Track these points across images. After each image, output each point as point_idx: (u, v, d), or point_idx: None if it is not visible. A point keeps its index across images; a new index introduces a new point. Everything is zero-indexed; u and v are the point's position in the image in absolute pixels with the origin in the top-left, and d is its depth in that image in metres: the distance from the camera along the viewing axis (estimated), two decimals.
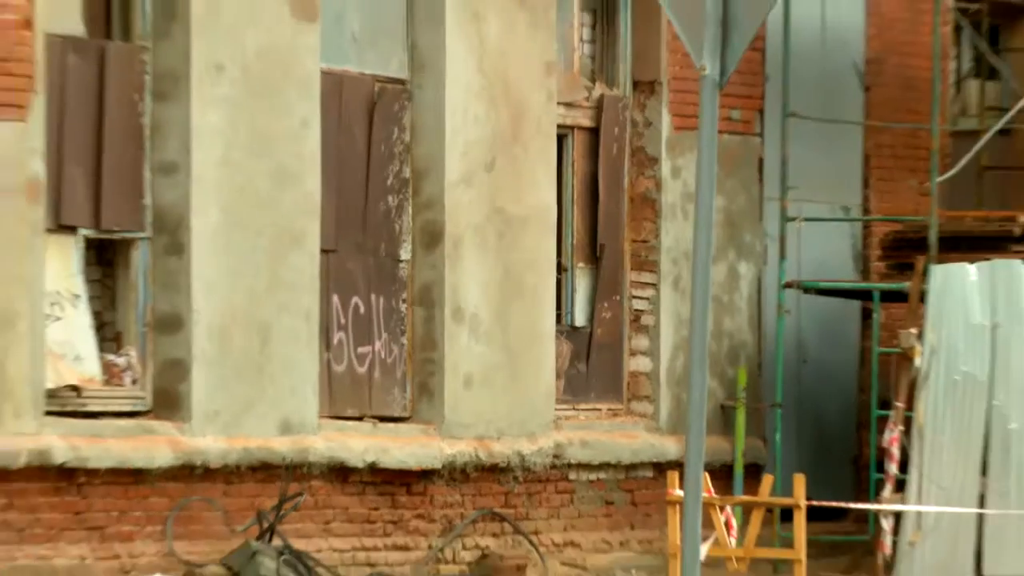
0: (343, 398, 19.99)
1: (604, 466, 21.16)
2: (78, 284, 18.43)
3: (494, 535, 20.36)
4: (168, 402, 18.70)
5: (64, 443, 17.63)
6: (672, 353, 21.44)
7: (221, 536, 18.65)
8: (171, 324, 18.79)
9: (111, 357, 18.61)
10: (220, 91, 18.88)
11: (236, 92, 18.97)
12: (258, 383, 19.08)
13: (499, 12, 20.52)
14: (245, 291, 19.08)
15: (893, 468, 21.15)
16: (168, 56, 18.83)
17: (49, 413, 17.77)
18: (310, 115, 19.50)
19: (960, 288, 21.08)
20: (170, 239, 18.73)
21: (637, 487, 20.93)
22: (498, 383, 20.67)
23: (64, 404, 17.99)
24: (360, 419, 20.02)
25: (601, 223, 21.88)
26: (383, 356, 20.33)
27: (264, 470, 18.98)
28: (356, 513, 19.71)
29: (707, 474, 14.89)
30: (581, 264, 21.84)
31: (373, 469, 19.70)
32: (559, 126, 21.27)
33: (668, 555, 17.32)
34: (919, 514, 20.74)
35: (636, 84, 21.80)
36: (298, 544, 18.66)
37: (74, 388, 18.14)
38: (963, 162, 22.96)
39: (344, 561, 19.21)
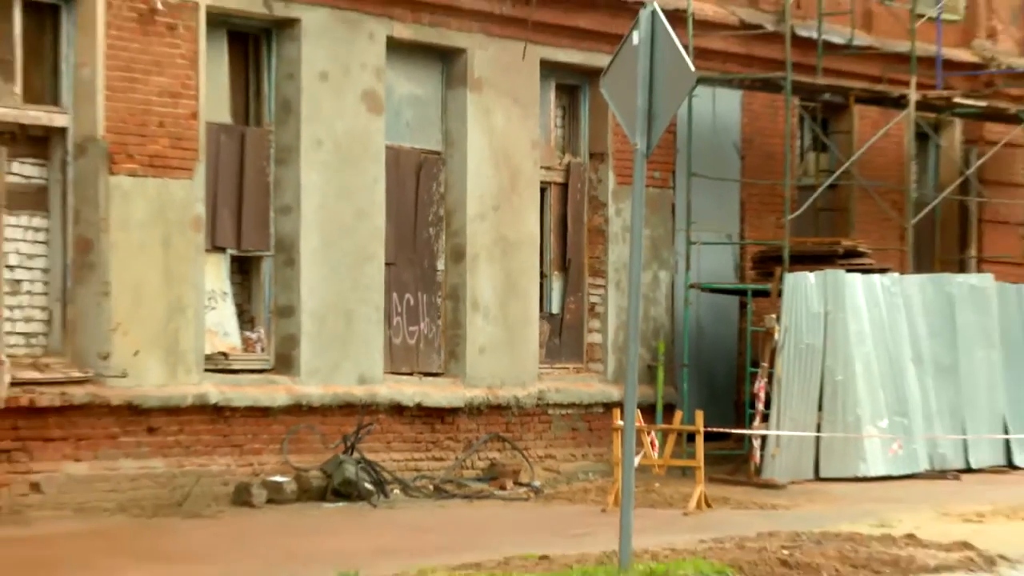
0: (399, 360, 20.25)
1: (571, 405, 21.38)
2: (226, 285, 18.84)
3: (498, 450, 20.63)
4: (285, 363, 19.06)
5: (216, 390, 18.03)
6: (615, 331, 21.59)
7: (319, 451, 18.96)
8: (286, 312, 19.12)
9: (247, 333, 19.12)
10: (319, 159, 19.10)
11: (330, 159, 19.15)
12: (343, 350, 19.33)
13: (501, 108, 20.71)
14: (335, 290, 19.33)
15: (760, 406, 21.42)
16: (285, 136, 19.12)
17: (207, 370, 18.16)
18: (378, 175, 19.70)
19: (803, 288, 21.45)
20: (286, 256, 19.06)
21: (593, 419, 21.15)
22: (501, 351, 20.94)
23: (216, 364, 18.45)
24: (411, 374, 20.29)
25: (569, 245, 22.05)
26: (426, 333, 20.64)
27: (347, 408, 19.20)
28: (408, 436, 19.99)
29: (638, 411, 15.63)
30: (556, 272, 21.99)
31: (419, 407, 20.00)
32: (541, 182, 21.42)
33: (613, 464, 17.67)
34: (777, 436, 20.92)
35: (592, 155, 21.94)
36: (369, 456, 19.05)
37: (223, 354, 18.68)
38: (805, 206, 23.19)
39: (399, 468, 19.49)
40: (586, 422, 21.22)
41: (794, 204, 22.65)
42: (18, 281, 16.76)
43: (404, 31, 19.81)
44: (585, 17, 20.90)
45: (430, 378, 20.42)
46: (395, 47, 19.82)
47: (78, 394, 16.67)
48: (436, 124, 20.62)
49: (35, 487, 16.27)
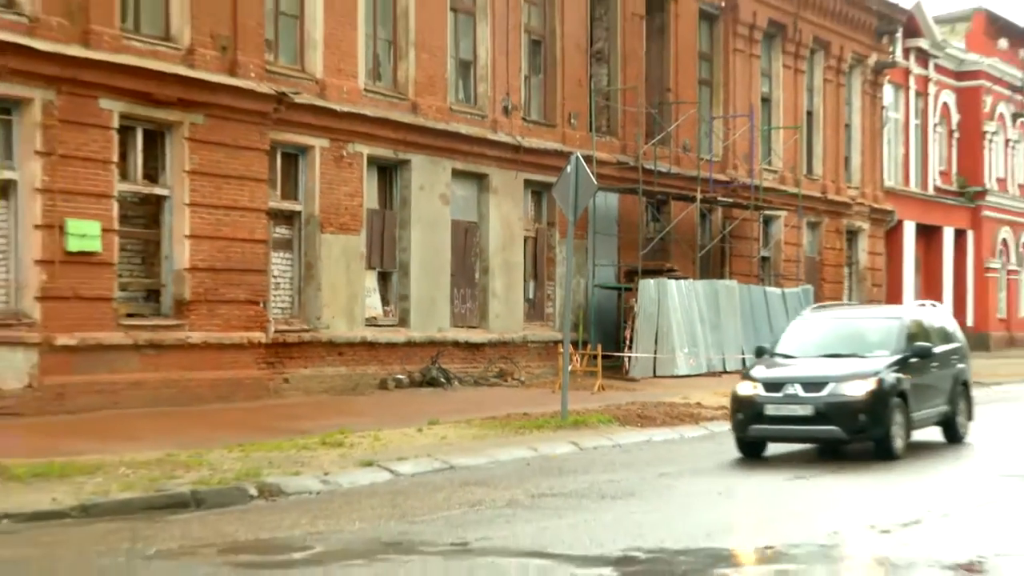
0: (457, 320, 19.58)
1: (538, 342, 20.77)
2: (375, 285, 18.49)
3: (503, 364, 19.92)
4: (403, 321, 18.59)
5: (370, 334, 17.78)
6: (560, 307, 20.76)
7: (419, 363, 18.31)
8: (403, 298, 18.65)
9: (385, 307, 18.61)
10: (419, 226, 18.76)
11: (424, 226, 18.69)
12: (430, 315, 18.81)
13: (505, 202, 20.27)
14: (426, 287, 18.86)
15: (627, 343, 21.16)
16: (403, 214, 18.65)
17: (366, 325, 17.82)
18: (446, 233, 19.25)
19: (647, 287, 21.05)
20: (403, 271, 18.71)
21: (549, 348, 20.35)
22: (505, 316, 20.35)
23: (370, 322, 17.99)
24: (462, 327, 19.65)
25: (537, 266, 21.41)
26: (469, 307, 19.98)
27: (432, 344, 18.72)
28: (461, 356, 19.31)
29: (571, 345, 15.44)
30: (531, 279, 21.32)
31: (466, 343, 19.49)
32: (524, 236, 20.88)
33: (558, 370, 16.93)
34: (636, 356, 20.84)
35: (548, 223, 21.49)
36: (443, 365, 18.54)
37: (373, 317, 18.17)
38: (647, 248, 22.42)
39: (457, 371, 18.79)
40: (546, 350, 20.56)
41: (642, 246, 22.17)
42: (278, 284, 16.71)
43: (459, 165, 19.40)
44: (545, 158, 20.50)
45: (471, 329, 19.84)
46: (455, 172, 19.39)
47: (305, 336, 16.72)
48: (474, 209, 20.07)
49: (285, 380, 16.27)
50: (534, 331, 20.98)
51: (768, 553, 6.64)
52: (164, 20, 14.85)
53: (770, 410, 10.55)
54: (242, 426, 12.42)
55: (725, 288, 23.27)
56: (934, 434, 12.17)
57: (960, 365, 12.39)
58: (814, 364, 11.00)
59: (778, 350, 11.65)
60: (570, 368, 15.21)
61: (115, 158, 13.93)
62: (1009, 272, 39.05)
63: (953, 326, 13.03)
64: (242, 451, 10.33)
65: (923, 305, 13.63)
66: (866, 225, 31.05)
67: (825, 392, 10.41)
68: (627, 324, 21.59)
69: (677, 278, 22.11)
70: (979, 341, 35.38)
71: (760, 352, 12.03)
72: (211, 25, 15.00)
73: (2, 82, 12.66)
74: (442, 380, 18.28)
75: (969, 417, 12.47)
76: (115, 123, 13.91)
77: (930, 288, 35.04)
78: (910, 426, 10.87)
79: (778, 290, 25.21)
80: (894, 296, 31.33)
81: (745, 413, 10.76)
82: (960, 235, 36.47)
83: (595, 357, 19.10)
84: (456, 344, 19.29)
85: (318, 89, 16.81)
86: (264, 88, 15.54)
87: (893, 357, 10.90)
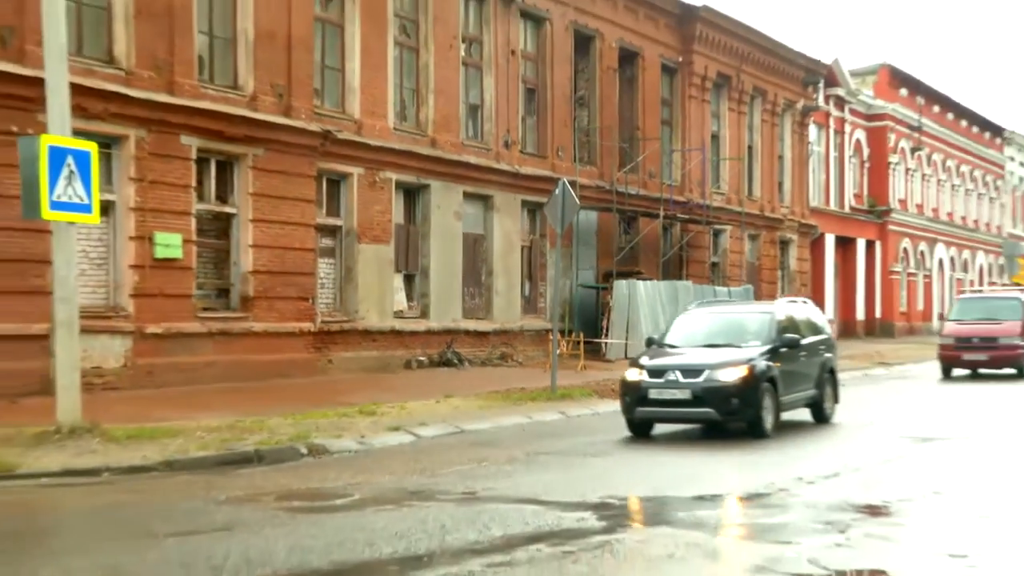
0: (468, 313, 19.39)
1: (532, 330, 20.59)
2: (401, 285, 18.25)
3: (505, 348, 19.77)
4: (424, 314, 18.41)
5: (397, 324, 17.57)
6: (550, 302, 20.56)
7: (437, 347, 18.14)
8: (424, 296, 18.47)
9: (410, 303, 18.39)
10: (437, 237, 18.52)
11: (441, 238, 18.49)
12: (446, 309, 18.64)
13: (506, 218, 20.12)
14: (443, 288, 18.67)
15: (604, 331, 20.98)
16: (424, 228, 18.49)
17: (394, 317, 17.63)
18: (458, 244, 19.06)
19: (621, 286, 20.75)
20: (424, 274, 18.51)
21: (540, 336, 20.16)
22: (506, 309, 20.17)
23: (397, 315, 17.80)
24: (471, 319, 19.44)
25: (531, 270, 21.23)
26: (477, 303, 19.79)
27: (448, 332, 18.56)
28: (470, 343, 19.11)
29: (560, 333, 15.22)
30: (526, 280, 21.14)
31: (475, 331, 19.31)
32: (521, 246, 20.74)
33: (548, 353, 16.74)
34: (611, 342, 20.65)
35: (540, 235, 21.30)
36: (457, 349, 18.37)
37: (401, 311, 17.95)
38: (620, 255, 22.17)
39: (468, 354, 18.60)
40: (538, 337, 20.38)
41: (616, 254, 22.01)
42: (323, 284, 16.52)
43: (469, 188, 19.28)
44: (538, 183, 20.26)
45: (479, 320, 19.64)
46: (465, 194, 19.25)
47: (346, 326, 16.57)
48: (481, 224, 19.89)
49: (329, 361, 16.18)
50: (529, 322, 20.84)
51: (724, 498, 6.63)
52: (232, 72, 14.89)
53: (653, 394, 9.70)
54: (295, 398, 12.36)
55: (683, 287, 23.06)
56: (804, 415, 11.13)
57: (827, 354, 11.47)
58: (694, 353, 10.12)
59: (666, 341, 10.78)
60: (558, 352, 15.16)
61: (193, 183, 13.99)
62: (909, 275, 39.38)
63: (822, 320, 12.13)
64: (295, 418, 10.27)
65: (794, 301, 12.48)
66: (795, 237, 31.05)
67: (702, 378, 9.56)
68: (604, 316, 21.47)
69: (644, 279, 21.99)
70: (886, 329, 36.49)
71: (650, 342, 11.15)
72: (270, 76, 15.07)
73: (104, 123, 12.69)
74: (455, 361, 18.16)
75: (836, 400, 11.49)
76: (193, 155, 13.96)
77: (846, 287, 35.52)
78: (779, 408, 10.00)
79: (725, 288, 25.05)
80: (818, 293, 31.26)
81: (632, 396, 9.89)
82: (870, 245, 36.69)
83: (578, 343, 19.02)
84: (467, 332, 19.14)
85: (356, 128, 16.78)
86: (313, 127, 15.58)
87: (764, 347, 10.05)
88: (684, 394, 9.62)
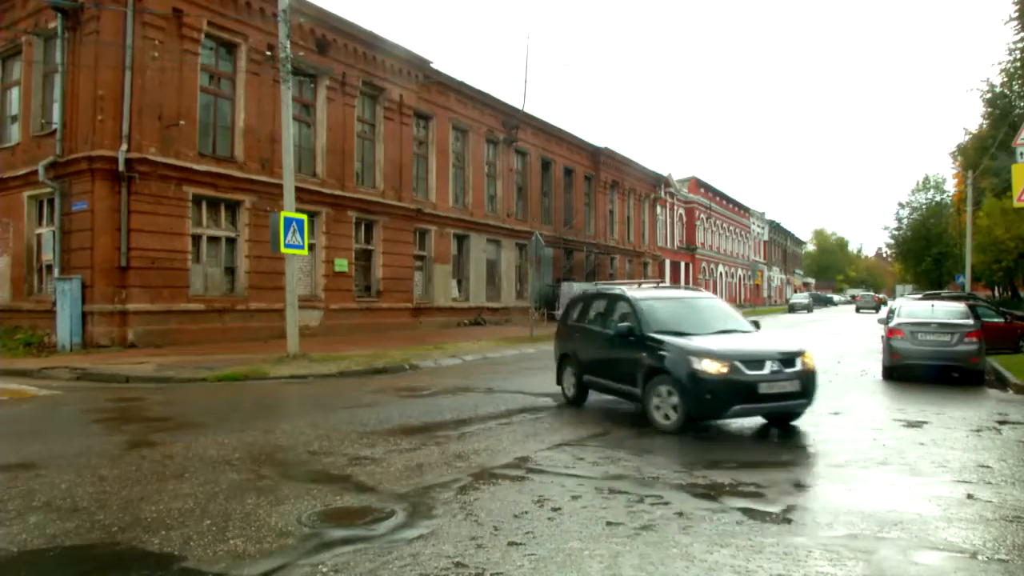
0: (489, 298, 18.44)
1: (518, 308, 19.82)
2: (455, 284, 17.22)
3: (506, 316, 19.00)
4: (464, 298, 17.58)
5: (448, 304, 16.35)
6: (531, 294, 18.76)
7: (472, 315, 17.39)
8: (466, 289, 17.62)
9: (455, 293, 17.12)
10: (473, 260, 17.79)
11: (477, 261, 17.80)
12: (478, 295, 17.61)
13: (508, 251, 19.37)
14: (477, 282, 17.95)
15: (557, 307, 19.39)
16: (461, 260, 17.74)
17: (452, 300, 16.48)
18: (483, 266, 18.26)
19: (565, 287, 18.29)
20: (464, 276, 17.71)
21: (526, 310, 19.34)
22: (507, 297, 19.41)
23: (453, 299, 16.75)
24: (490, 301, 18.73)
25: (521, 278, 20.45)
26: (493, 293, 18.81)
27: (479, 308, 17.82)
28: (489, 314, 18.23)
29: (534, 309, 14.76)
30: (518, 283, 20.41)
31: (492, 308, 18.46)
32: (516, 267, 20.07)
33: (529, 320, 16.38)
34: (558, 313, 18.17)
35: (525, 260, 20.09)
36: (485, 316, 17.69)
37: (454, 297, 16.89)
38: (565, 270, 20.06)
39: (488, 320, 17.43)
40: (524, 311, 19.59)
41: (562, 270, 20.93)
42: (416, 284, 15.84)
43: (488, 237, 18.50)
44: (523, 235, 19.68)
45: (493, 301, 18.74)
46: (487, 240, 18.60)
47: (428, 305, 15.88)
48: (495, 256, 19.17)
49: (420, 322, 15.36)
50: (519, 303, 19.94)
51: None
52: (372, 180, 14.77)
53: (763, 388, 4.58)
54: (402, 342, 12.04)
55: (594, 286, 21.46)
56: None
57: None
58: (747, 340, 5.06)
59: (649, 332, 5.16)
60: (535, 318, 14.54)
61: (352, 235, 13.88)
62: (706, 280, 39.85)
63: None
64: (402, 351, 10.12)
65: (658, 284, 7.12)
66: (651, 260, 31.05)
67: (798, 367, 4.79)
68: (556, 300, 20.38)
69: (575, 281, 21.12)
70: None
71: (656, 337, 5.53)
72: (391, 181, 15.00)
73: (310, 205, 12.70)
74: (482, 323, 17.59)
75: None
76: (353, 221, 13.94)
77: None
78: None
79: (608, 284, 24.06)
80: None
81: (726, 393, 4.44)
82: (687, 265, 36.96)
83: (543, 314, 18.34)
84: (487, 308, 18.46)
85: (432, 206, 16.51)
86: (411, 205, 15.39)
87: (758, 332, 5.25)
88: (793, 386, 4.69)
